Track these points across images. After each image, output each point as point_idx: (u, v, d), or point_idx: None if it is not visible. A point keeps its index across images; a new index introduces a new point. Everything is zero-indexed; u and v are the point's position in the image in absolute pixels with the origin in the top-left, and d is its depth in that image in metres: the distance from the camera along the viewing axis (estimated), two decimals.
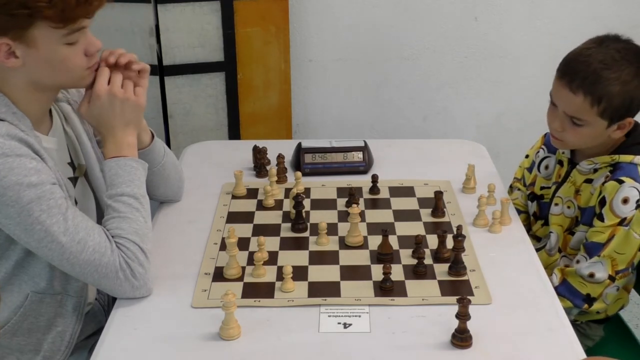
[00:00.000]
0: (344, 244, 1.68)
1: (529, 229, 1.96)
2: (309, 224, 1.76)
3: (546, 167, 1.94)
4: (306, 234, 1.73)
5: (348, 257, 1.64)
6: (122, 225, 1.49)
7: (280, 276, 1.53)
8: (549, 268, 1.82)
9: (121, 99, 1.55)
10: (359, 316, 1.45)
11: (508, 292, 1.52)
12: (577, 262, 1.76)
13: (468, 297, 1.36)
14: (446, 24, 3.00)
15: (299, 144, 2.06)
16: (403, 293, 1.51)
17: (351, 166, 2.03)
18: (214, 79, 2.73)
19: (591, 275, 1.72)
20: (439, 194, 1.80)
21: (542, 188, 1.95)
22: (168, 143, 2.73)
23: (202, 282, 1.55)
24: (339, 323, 1.43)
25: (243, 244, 1.66)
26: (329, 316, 1.45)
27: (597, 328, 1.88)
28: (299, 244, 1.69)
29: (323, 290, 1.51)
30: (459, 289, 1.52)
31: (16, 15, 1.35)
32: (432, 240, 1.66)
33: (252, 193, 1.92)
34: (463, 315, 1.35)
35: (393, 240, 1.68)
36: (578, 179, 1.81)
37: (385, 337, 1.39)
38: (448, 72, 3.09)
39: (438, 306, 1.47)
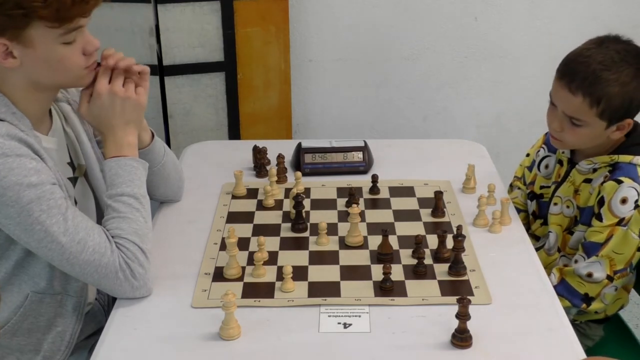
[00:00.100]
0: (344, 244, 1.68)
1: (528, 228, 1.96)
2: (309, 224, 1.76)
3: (546, 167, 1.94)
4: (306, 234, 1.73)
5: (348, 257, 1.64)
6: (122, 226, 1.49)
7: (280, 276, 1.53)
8: (547, 268, 1.82)
9: (122, 97, 1.55)
10: (359, 316, 1.44)
11: (508, 292, 1.52)
12: (576, 261, 1.76)
13: (468, 297, 1.36)
14: (446, 24, 3.00)
15: (299, 144, 2.06)
16: (403, 293, 1.51)
17: (351, 166, 2.02)
18: (214, 79, 2.73)
19: (589, 275, 1.72)
20: (439, 194, 1.80)
21: (541, 187, 1.95)
22: (168, 143, 2.73)
23: (202, 282, 1.55)
24: (339, 323, 1.43)
25: (243, 244, 1.66)
26: (329, 316, 1.45)
27: (597, 328, 1.88)
28: (299, 244, 1.69)
29: (323, 290, 1.51)
30: (459, 289, 1.52)
31: (12, 15, 1.35)
32: (432, 240, 1.66)
33: (252, 193, 1.91)
34: (463, 315, 1.35)
35: (393, 240, 1.68)
36: (577, 178, 1.81)
37: (385, 337, 1.39)
38: (448, 72, 3.08)
39: (438, 306, 1.47)
